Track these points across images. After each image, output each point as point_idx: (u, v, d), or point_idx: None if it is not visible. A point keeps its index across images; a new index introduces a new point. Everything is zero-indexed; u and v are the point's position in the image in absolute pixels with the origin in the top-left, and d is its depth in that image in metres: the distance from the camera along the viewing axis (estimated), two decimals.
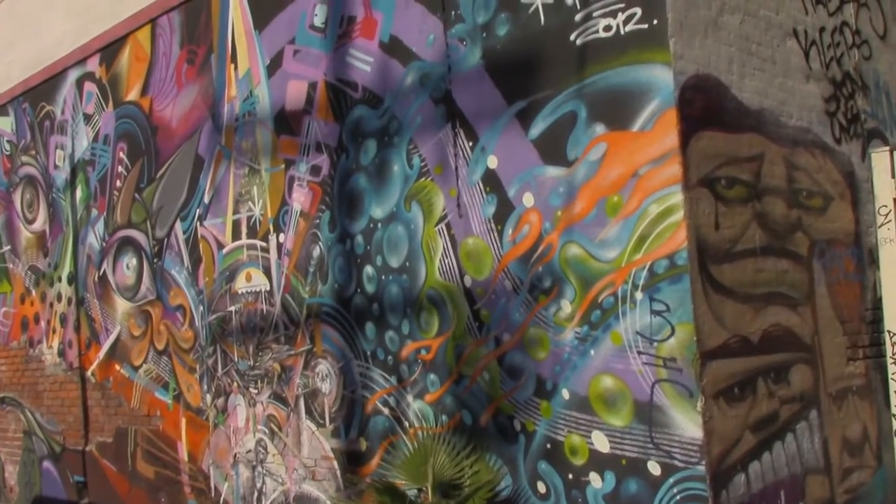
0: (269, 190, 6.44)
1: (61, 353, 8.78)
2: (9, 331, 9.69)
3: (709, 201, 4.27)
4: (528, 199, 4.75)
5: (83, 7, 8.55)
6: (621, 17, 4.37)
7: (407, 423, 5.39)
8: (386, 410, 5.53)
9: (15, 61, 9.72)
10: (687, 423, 4.08)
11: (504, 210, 4.87)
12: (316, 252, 6.04)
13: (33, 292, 9.26)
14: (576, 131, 4.53)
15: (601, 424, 4.41)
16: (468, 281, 5.06)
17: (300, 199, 6.17)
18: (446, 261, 5.18)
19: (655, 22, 4.24)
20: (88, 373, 8.34)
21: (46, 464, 8.93)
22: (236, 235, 6.72)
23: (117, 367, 7.96)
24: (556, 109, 4.63)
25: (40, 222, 9.19)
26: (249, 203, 6.60)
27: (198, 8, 7.15)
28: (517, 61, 4.84)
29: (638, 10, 4.31)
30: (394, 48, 5.53)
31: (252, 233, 6.57)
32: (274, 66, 6.43)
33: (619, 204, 4.34)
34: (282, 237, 6.31)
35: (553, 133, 4.64)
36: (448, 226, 5.18)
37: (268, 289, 6.41)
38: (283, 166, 6.32)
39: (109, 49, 8.20)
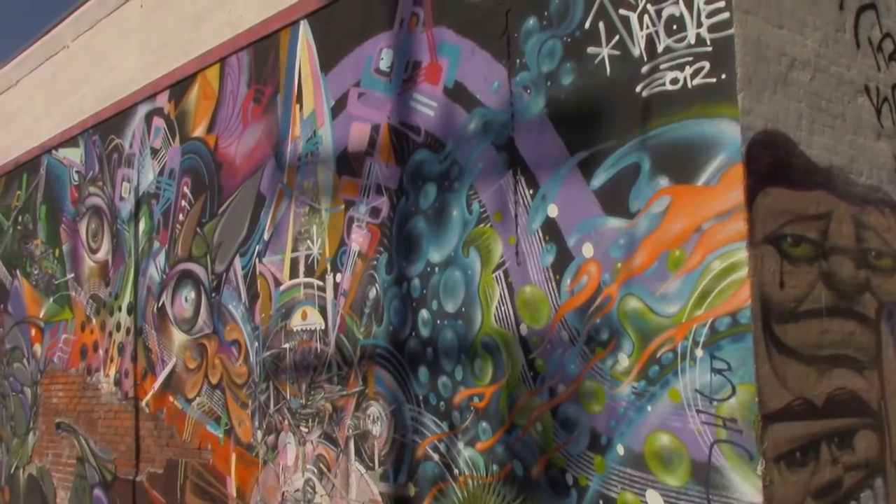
0: (328, 230, 6.48)
1: (117, 382, 8.90)
2: (68, 357, 9.87)
3: (774, 259, 4.18)
4: (587, 250, 4.71)
5: (156, 44, 8.78)
6: (689, 70, 4.33)
7: (457, 471, 5.33)
8: (436, 456, 5.48)
9: (88, 94, 10.01)
10: (746, 487, 3.96)
11: (563, 259, 4.83)
12: (372, 293, 6.05)
13: (93, 321, 9.43)
14: (639, 183, 4.49)
15: (656, 483, 4.30)
16: (524, 329, 5.01)
17: (359, 239, 6.21)
18: (502, 308, 5.15)
19: (724, 76, 4.20)
20: (143, 403, 8.44)
21: (97, 491, 9.02)
22: (294, 273, 6.77)
23: (171, 398, 8.03)
24: (619, 160, 4.60)
25: (104, 252, 9.38)
26: (308, 242, 6.66)
27: (266, 48, 7.29)
28: (581, 111, 4.83)
29: (706, 64, 4.27)
30: (458, 94, 5.57)
31: (309, 271, 6.62)
32: (338, 108, 6.51)
33: (681, 258, 4.27)
34: (339, 277, 6.34)
35: (615, 184, 4.60)
36: (505, 273, 5.15)
37: (323, 328, 6.44)
38: (342, 207, 6.37)
39: (179, 86, 8.40)
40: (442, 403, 5.46)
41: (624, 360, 4.47)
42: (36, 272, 10.78)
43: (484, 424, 5.19)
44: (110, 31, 9.70)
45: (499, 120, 5.28)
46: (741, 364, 4.01)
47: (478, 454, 5.22)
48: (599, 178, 4.68)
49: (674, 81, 4.40)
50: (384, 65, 6.15)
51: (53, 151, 10.65)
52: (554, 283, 4.87)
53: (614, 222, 4.59)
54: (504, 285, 5.15)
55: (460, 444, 5.33)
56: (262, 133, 7.27)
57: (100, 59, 9.85)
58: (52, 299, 10.33)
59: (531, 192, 5.04)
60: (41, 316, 10.54)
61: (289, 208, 6.89)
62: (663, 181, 4.39)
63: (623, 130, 4.59)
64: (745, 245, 4.04)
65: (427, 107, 5.79)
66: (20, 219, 11.33)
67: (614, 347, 4.53)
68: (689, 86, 4.33)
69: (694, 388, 4.17)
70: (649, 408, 4.35)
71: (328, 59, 6.66)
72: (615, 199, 4.59)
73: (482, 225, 5.32)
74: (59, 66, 10.80)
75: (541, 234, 4.97)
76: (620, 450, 4.46)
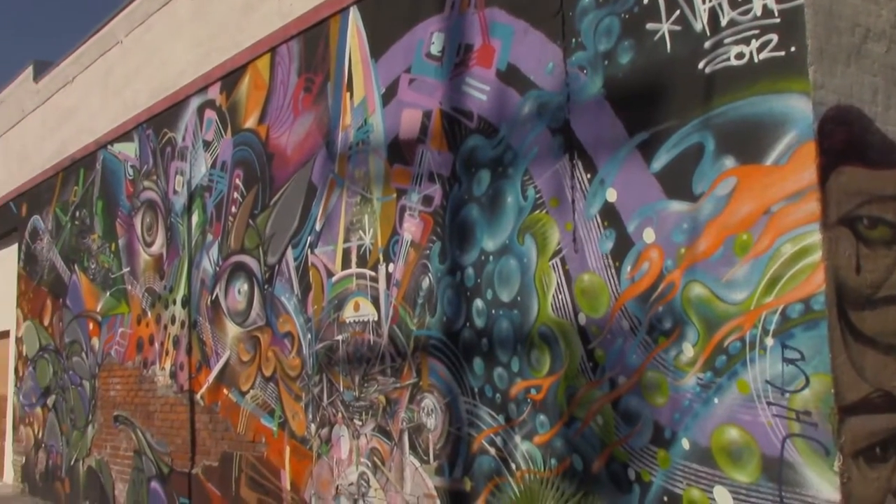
0: (380, 219, 6.37)
1: (173, 375, 8.91)
2: (125, 351, 9.93)
3: (849, 242, 3.94)
4: (648, 235, 4.51)
5: (206, 37, 8.75)
6: (755, 43, 4.10)
7: (514, 465, 5.18)
8: (492, 450, 5.33)
9: (141, 89, 10.04)
10: (822, 484, 3.73)
11: (623, 246, 4.63)
12: (425, 283, 5.92)
13: (149, 314, 9.46)
14: (702, 164, 4.28)
15: (724, 479, 4.09)
16: (582, 319, 4.83)
17: (411, 228, 6.08)
18: (560, 297, 4.97)
19: (793, 49, 3.96)
20: (198, 396, 8.43)
21: (154, 484, 9.06)
22: (346, 264, 6.67)
23: (225, 391, 8.01)
24: (681, 141, 4.38)
25: (158, 245, 9.40)
26: (360, 232, 6.55)
27: (316, 37, 7.19)
28: (640, 90, 4.62)
29: (774, 37, 4.04)
30: (511, 77, 5.39)
31: (362, 262, 6.51)
32: (389, 95, 6.38)
33: (748, 242, 4.05)
34: (391, 267, 6.22)
35: (677, 166, 4.39)
36: (562, 260, 4.97)
37: (375, 319, 6.32)
38: (394, 196, 6.25)
39: (230, 77, 8.35)
40: (498, 395, 5.31)
41: (688, 350, 4.27)
42: (93, 266, 10.88)
43: (542, 417, 5.03)
44: (161, 25, 9.71)
45: (554, 102, 5.09)
46: (815, 353, 3.78)
47: (535, 448, 5.06)
48: (660, 160, 4.47)
49: (739, 56, 4.17)
50: (435, 49, 6.00)
51: (109, 146, 10.72)
52: (613, 271, 4.67)
53: (677, 206, 4.38)
54: (561, 273, 4.97)
55: (517, 438, 5.17)
56: (312, 122, 7.18)
57: (152, 53, 9.87)
58: (108, 293, 10.41)
59: (588, 176, 4.85)
60: (98, 310, 10.63)
61: (340, 198, 6.79)
62: (729, 162, 4.17)
63: (685, 109, 4.38)
64: (818, 227, 3.81)
65: (479, 91, 5.62)
66: (77, 214, 11.45)
67: (678, 337, 4.32)
68: (756, 60, 4.10)
69: (764, 379, 3.95)
70: (716, 400, 4.14)
71: (378, 45, 6.53)
72: (677, 182, 4.38)
73: (538, 211, 5.15)
74: (113, 62, 10.86)
75: (599, 220, 4.78)
76: (686, 444, 4.26)
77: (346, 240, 6.68)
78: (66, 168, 11.91)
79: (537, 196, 5.16)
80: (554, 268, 5.02)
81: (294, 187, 7.33)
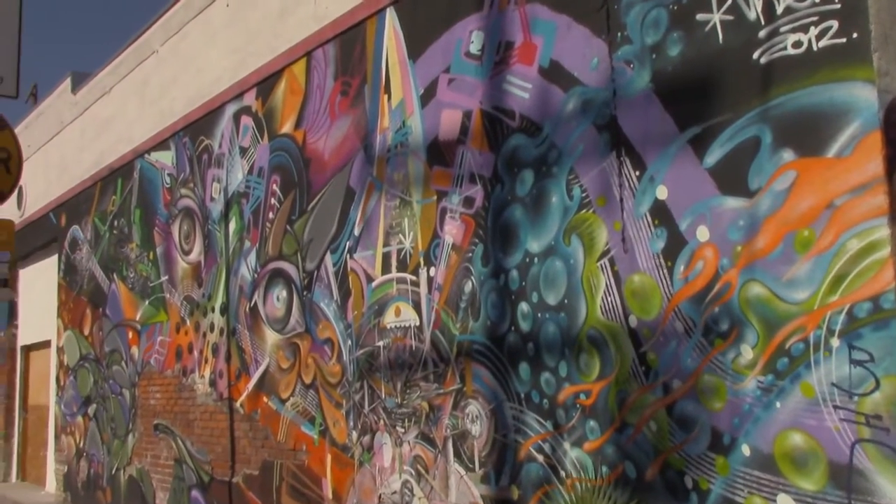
0: (420, 222, 6.24)
1: (212, 383, 8.85)
2: (164, 359, 9.90)
3: None
4: (702, 233, 4.33)
5: (241, 43, 8.70)
6: (814, 31, 3.92)
7: (563, 473, 5.02)
8: (540, 458, 5.17)
9: (177, 97, 10.03)
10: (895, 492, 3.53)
11: (675, 245, 4.46)
12: (468, 287, 5.78)
13: (188, 322, 9.42)
14: (759, 158, 4.10)
15: (789, 487, 3.90)
16: (633, 321, 4.67)
17: (452, 231, 5.95)
18: (609, 299, 4.81)
19: (855, 35, 3.78)
20: (237, 404, 8.36)
21: (195, 493, 9.00)
22: (386, 269, 6.55)
23: (265, 399, 7.92)
24: (735, 135, 4.21)
25: (196, 253, 9.36)
26: (400, 235, 6.43)
27: (353, 39, 7.10)
28: (691, 83, 4.46)
29: (834, 24, 3.86)
30: (554, 73, 5.25)
31: (402, 266, 6.39)
32: (428, 96, 6.26)
33: (810, 239, 3.87)
34: (433, 271, 6.09)
35: (732, 161, 4.22)
36: (611, 261, 4.81)
37: (417, 324, 6.20)
38: (435, 198, 6.12)
39: (266, 83, 8.29)
40: (545, 401, 5.15)
41: (747, 353, 4.09)
42: (132, 275, 10.88)
43: (592, 423, 4.86)
44: (197, 32, 9.69)
45: (600, 98, 4.94)
46: (886, 354, 3.59)
47: (586, 455, 4.89)
48: (714, 155, 4.30)
49: (796, 45, 3.99)
50: (475, 48, 5.88)
51: (146, 155, 10.72)
52: (665, 271, 4.51)
53: (732, 202, 4.20)
54: (610, 274, 4.81)
55: (566, 445, 5.01)
56: (350, 126, 7.08)
57: (188, 61, 9.85)
58: (147, 302, 10.39)
59: (637, 173, 4.69)
60: (137, 318, 10.62)
61: (379, 202, 6.68)
62: (787, 155, 3.99)
63: (739, 102, 4.21)
64: (885, 221, 3.62)
65: (521, 89, 5.48)
66: (116, 223, 11.47)
67: (736, 338, 4.15)
68: (815, 48, 3.92)
69: (830, 382, 3.76)
70: (778, 404, 3.95)
71: (416, 45, 6.42)
72: (732, 177, 4.21)
73: (584, 211, 4.99)
74: (150, 71, 10.87)
75: (649, 219, 4.61)
76: (746, 450, 4.07)
77: (386, 244, 6.57)
78: (105, 178, 11.94)
79: (583, 195, 5.00)
80: (602, 269, 4.86)
81: (332, 192, 7.23)
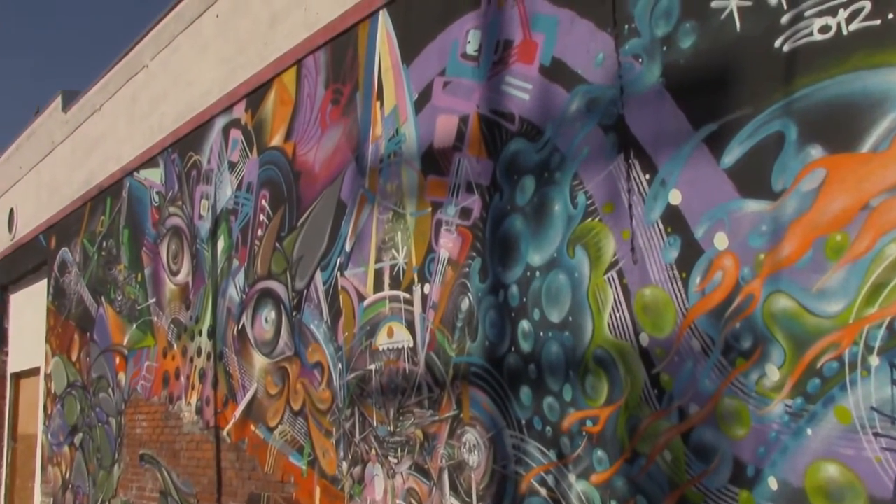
0: (414, 236, 5.83)
1: (199, 411, 8.41)
2: (151, 386, 9.46)
3: None
4: (720, 241, 3.91)
5: (232, 53, 8.35)
6: (843, 13, 3.52)
7: None
8: (543, 491, 4.71)
9: (167, 112, 9.67)
10: None
11: (690, 254, 4.03)
12: (465, 304, 5.35)
13: (175, 346, 8.99)
14: (783, 156, 3.68)
15: None
16: (645, 339, 4.22)
17: (448, 245, 5.53)
18: (617, 315, 4.37)
19: (891, 17, 3.37)
20: (224, 432, 7.91)
21: None
22: (378, 286, 6.13)
23: (252, 427, 7.47)
24: (756, 131, 3.80)
25: (184, 274, 8.96)
26: (393, 251, 6.01)
27: (344, 44, 6.73)
28: (706, 77, 4.05)
29: (867, 4, 3.45)
30: (556, 72, 4.85)
31: (395, 283, 5.97)
32: (422, 101, 5.87)
33: (843, 244, 3.44)
34: (427, 288, 5.67)
35: (753, 160, 3.80)
36: (620, 273, 4.38)
37: (411, 345, 5.76)
38: (429, 209, 5.71)
39: (255, 94, 7.93)
40: (548, 429, 4.70)
41: (773, 373, 3.64)
42: (119, 298, 10.46)
43: (599, 453, 4.41)
44: (187, 45, 9.34)
45: (606, 96, 4.54)
46: None
47: (593, 488, 4.43)
48: (732, 154, 3.89)
49: (824, 30, 3.59)
50: (471, 48, 5.49)
51: (135, 173, 10.35)
52: (680, 283, 4.07)
53: (753, 205, 3.78)
54: (618, 288, 4.38)
55: (571, 477, 4.55)
56: (341, 136, 6.69)
57: (178, 75, 9.50)
58: (135, 326, 9.97)
59: (647, 176, 4.27)
60: (125, 343, 10.19)
61: (371, 215, 6.27)
62: (815, 151, 3.57)
63: (760, 95, 3.80)
64: None
65: (521, 90, 5.09)
66: (104, 244, 11.08)
67: (760, 357, 3.70)
68: (845, 32, 3.51)
69: (869, 406, 3.32)
70: (809, 431, 3.50)
71: (410, 48, 6.03)
72: (753, 178, 3.79)
73: (590, 219, 4.57)
74: (139, 87, 10.52)
75: (661, 226, 4.19)
76: (773, 483, 3.61)
77: (378, 260, 6.15)
78: (94, 198, 11.57)
79: (589, 202, 4.58)
80: (610, 282, 4.43)
81: (322, 206, 6.83)
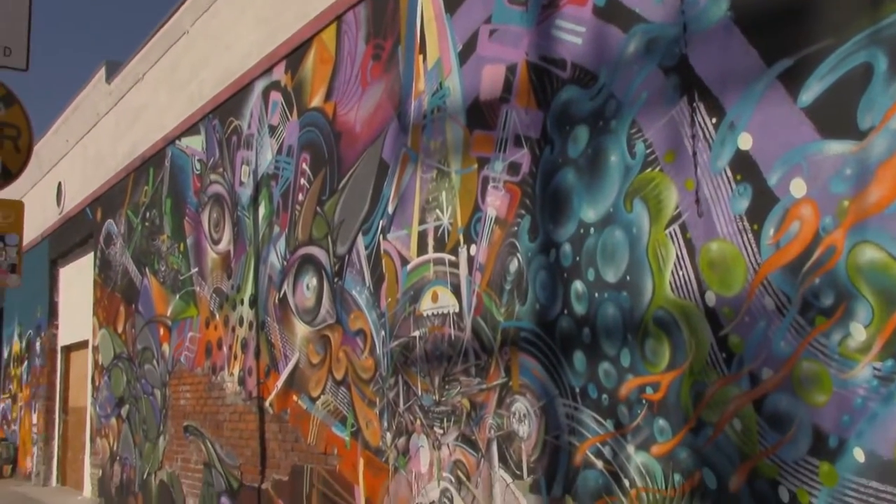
0: (459, 195, 5.50)
1: (241, 382, 8.21)
2: (194, 356, 9.30)
3: None
4: (797, 188, 3.52)
5: (271, 14, 8.07)
6: None
7: (627, 482, 4.22)
8: (599, 463, 4.38)
9: (206, 79, 9.44)
10: None
11: (763, 203, 3.65)
12: (513, 266, 5.02)
13: (217, 316, 8.81)
14: (871, 91, 3.28)
15: None
16: (711, 298, 3.86)
17: (495, 203, 5.19)
18: (681, 273, 4.01)
19: None
20: (266, 403, 7.70)
21: (224, 500, 8.36)
22: (422, 249, 5.82)
23: (295, 397, 7.25)
24: (839, 64, 3.39)
25: (225, 242, 8.75)
26: (437, 211, 5.70)
27: None
28: (779, 7, 3.65)
29: None
30: (611, 12, 4.47)
31: (440, 245, 5.66)
32: (467, 52, 5.52)
33: None
34: (473, 249, 5.34)
35: (835, 96, 3.40)
36: (683, 227, 4.01)
37: (457, 310, 5.45)
38: (475, 166, 5.38)
39: (295, 55, 7.64)
40: (605, 396, 4.36)
41: (859, 333, 3.26)
42: (163, 269, 10.32)
43: (661, 422, 4.06)
44: (227, 8, 9.08)
45: (666, 35, 4.15)
46: None
47: (654, 460, 4.09)
48: (811, 91, 3.49)
49: None
50: None
51: (176, 142, 10.16)
52: (751, 235, 3.69)
53: (836, 147, 3.39)
54: (682, 243, 4.01)
55: (630, 448, 4.21)
56: (383, 93, 6.37)
57: (218, 39, 9.25)
58: (178, 296, 9.81)
59: (714, 120, 3.89)
60: (168, 314, 10.05)
61: (414, 175, 5.95)
62: None
63: (843, 24, 3.39)
64: None
65: (573, 34, 4.71)
66: (148, 215, 10.93)
67: (843, 315, 3.32)
68: None
69: None
70: None
71: None
72: (836, 117, 3.39)
73: (649, 170, 4.20)
74: (180, 54, 10.31)
75: (729, 174, 3.81)
76: (859, 455, 3.24)
77: (422, 221, 5.84)
78: (137, 168, 11.43)
79: (648, 151, 4.21)
80: (672, 237, 4.06)
81: (364, 167, 6.53)
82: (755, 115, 3.71)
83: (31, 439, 15.96)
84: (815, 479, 3.39)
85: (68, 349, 15.21)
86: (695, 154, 3.98)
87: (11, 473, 17.28)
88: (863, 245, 3.27)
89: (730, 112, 3.82)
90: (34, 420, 15.90)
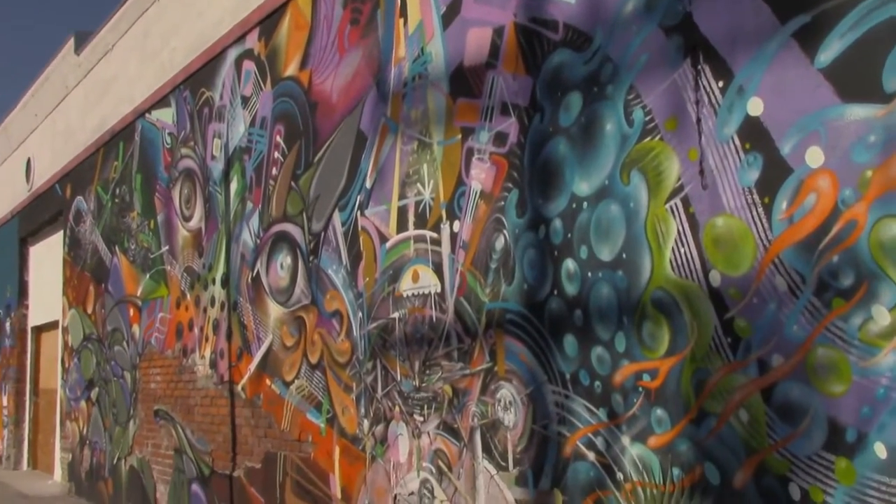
0: (441, 168, 5.16)
1: (213, 365, 7.86)
2: (164, 338, 8.93)
3: None
4: (814, 157, 3.20)
5: None
6: None
7: (621, 476, 3.91)
8: (591, 455, 4.07)
9: (178, 48, 9.03)
10: None
11: (774, 174, 3.33)
12: (500, 243, 4.68)
13: (188, 296, 8.44)
14: None
15: None
16: (716, 278, 3.54)
17: (480, 176, 4.85)
18: (682, 250, 3.69)
19: None
20: (238, 387, 7.35)
21: (195, 487, 8.02)
22: (402, 226, 5.48)
23: (268, 382, 6.91)
24: (862, 20, 3.07)
25: (196, 219, 8.37)
26: (418, 185, 5.35)
27: None
28: None
29: None
30: None
31: (421, 222, 5.31)
32: (451, 14, 5.16)
33: None
34: (457, 226, 5.01)
35: (858, 55, 3.07)
36: (685, 201, 3.69)
37: (438, 290, 5.12)
38: (459, 137, 5.03)
39: (269, 21, 7.25)
40: (598, 384, 4.05)
41: (882, 316, 2.95)
42: (133, 247, 9.92)
43: (659, 412, 3.75)
44: None
45: None
46: None
47: (651, 452, 3.78)
48: (831, 50, 3.16)
49: None
50: None
51: (146, 115, 9.74)
52: (761, 209, 3.37)
53: (858, 111, 3.07)
54: (683, 218, 3.69)
55: (625, 440, 3.90)
56: (361, 60, 6.00)
57: (189, 6, 8.83)
58: (148, 275, 9.43)
59: (721, 84, 3.56)
60: (139, 294, 9.67)
61: (394, 147, 5.60)
62: None
63: None
64: None
65: None
66: (118, 191, 10.52)
67: (865, 297, 3.01)
68: None
69: None
70: None
71: None
72: (858, 78, 3.07)
73: (649, 139, 3.87)
74: (151, 22, 9.88)
75: (737, 142, 3.48)
76: (881, 450, 2.94)
77: (402, 196, 5.49)
78: (107, 143, 11.00)
79: (647, 119, 3.88)
80: (673, 212, 3.73)
81: (340, 139, 6.17)
82: (766, 78, 3.38)
83: (2, 422, 15.54)
84: (830, 477, 3.09)
85: (39, 329, 14.79)
86: (699, 121, 3.65)
87: None
88: (888, 220, 2.95)
89: (738, 75, 3.49)
90: (4, 402, 15.47)
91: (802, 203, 3.23)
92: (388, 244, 5.60)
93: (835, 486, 3.07)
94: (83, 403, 11.36)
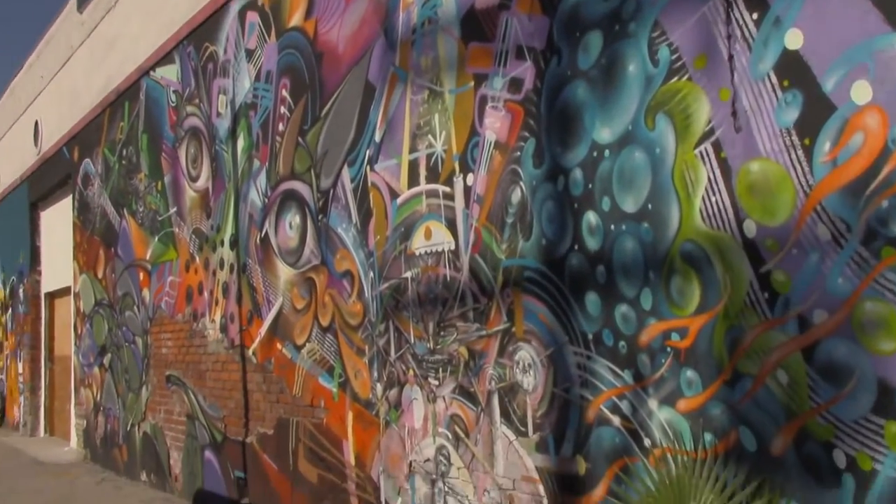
0: (453, 117, 4.87)
1: (223, 329, 7.66)
2: (174, 302, 8.74)
3: None
4: (860, 93, 2.90)
5: None
6: None
7: (649, 442, 3.67)
8: (616, 419, 3.83)
9: (181, 1, 8.71)
10: None
11: (816, 113, 3.03)
12: (516, 196, 4.41)
13: (197, 259, 8.22)
14: None
15: None
16: (751, 228, 3.26)
17: (495, 125, 4.57)
18: (713, 199, 3.41)
19: None
20: (249, 352, 7.15)
21: (208, 453, 7.88)
22: (413, 180, 5.21)
23: (279, 346, 6.70)
24: None
25: (203, 179, 8.13)
26: (429, 137, 5.07)
27: None
28: None
29: None
30: None
31: (433, 175, 5.04)
32: None
33: None
34: (470, 179, 4.73)
35: None
36: (716, 145, 3.40)
37: (452, 248, 4.86)
38: (472, 84, 4.74)
39: None
40: (622, 344, 3.79)
41: None
42: (141, 209, 9.71)
43: (689, 374, 3.50)
44: None
45: None
46: None
47: (680, 417, 3.54)
48: None
49: None
50: None
51: (151, 73, 9.46)
52: (801, 152, 3.08)
53: None
54: (714, 164, 3.40)
55: (652, 403, 3.65)
56: (367, 6, 5.70)
57: None
58: (157, 238, 9.22)
59: (755, 16, 3.25)
60: (148, 257, 9.47)
61: (404, 97, 5.31)
62: None
63: None
64: None
65: None
66: (124, 153, 10.28)
67: None
68: None
69: None
70: None
71: None
72: None
73: (675, 79, 3.57)
74: None
75: (774, 80, 3.18)
76: None
77: (413, 149, 5.22)
78: (113, 103, 10.74)
79: (674, 57, 3.58)
80: (703, 157, 3.45)
81: (348, 91, 5.88)
82: (806, 7, 3.08)
83: (18, 388, 15.51)
84: (879, 442, 2.83)
85: (52, 296, 14.68)
86: (731, 58, 3.34)
87: (0, 423, 16.88)
88: None
89: (775, 4, 3.18)
90: (20, 369, 15.43)
91: (847, 144, 2.93)
92: (399, 200, 5.34)
93: (885, 452, 2.81)
94: (96, 370, 11.24)
